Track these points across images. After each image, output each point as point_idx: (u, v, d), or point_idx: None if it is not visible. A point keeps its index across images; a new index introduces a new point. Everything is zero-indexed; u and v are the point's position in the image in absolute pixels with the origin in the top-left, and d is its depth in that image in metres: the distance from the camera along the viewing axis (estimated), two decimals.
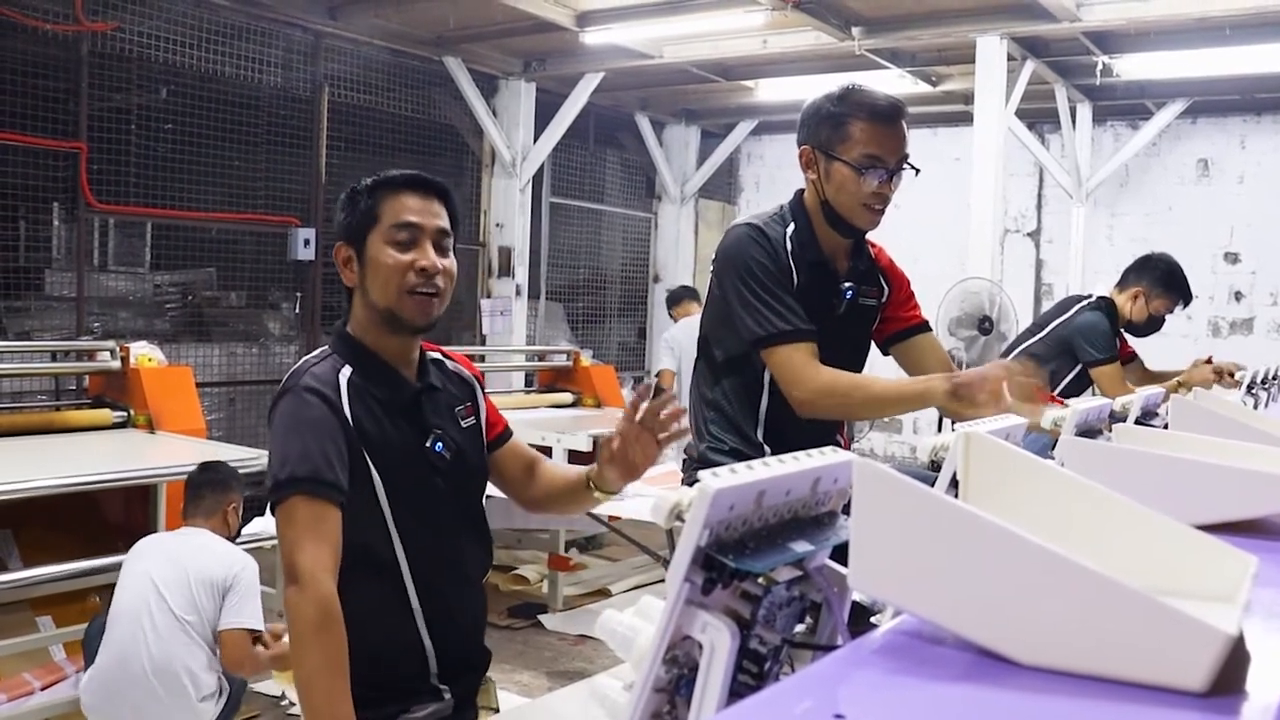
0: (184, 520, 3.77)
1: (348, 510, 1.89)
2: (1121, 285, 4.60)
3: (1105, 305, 4.53)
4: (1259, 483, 1.39)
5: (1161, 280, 4.52)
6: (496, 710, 2.23)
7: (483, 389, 2.26)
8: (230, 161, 7.48)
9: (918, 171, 2.50)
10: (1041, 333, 4.62)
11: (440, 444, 2.04)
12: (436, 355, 2.18)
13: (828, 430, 2.63)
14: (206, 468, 3.89)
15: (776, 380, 2.47)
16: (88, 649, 3.67)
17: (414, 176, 2.06)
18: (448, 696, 2.03)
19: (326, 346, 2.08)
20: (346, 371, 1.98)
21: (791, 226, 2.53)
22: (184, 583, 3.46)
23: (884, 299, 2.68)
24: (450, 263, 2.04)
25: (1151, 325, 4.60)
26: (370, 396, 1.98)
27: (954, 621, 0.85)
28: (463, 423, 2.13)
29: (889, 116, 2.45)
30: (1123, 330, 4.59)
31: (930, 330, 2.77)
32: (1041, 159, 9.62)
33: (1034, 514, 1.01)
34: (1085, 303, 4.57)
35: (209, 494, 3.77)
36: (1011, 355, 4.75)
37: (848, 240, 2.58)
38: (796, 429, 2.50)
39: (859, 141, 2.43)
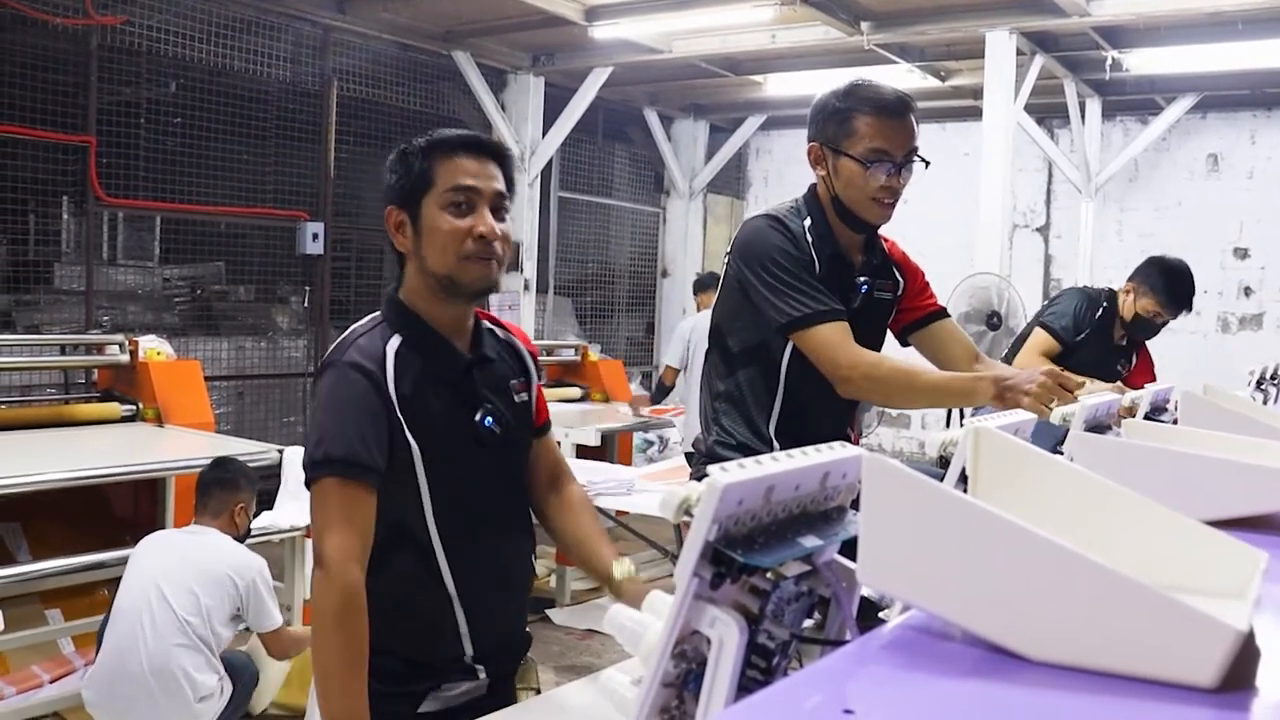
0: (195, 517, 3.76)
1: (385, 487, 1.86)
2: (1128, 280, 4.38)
3: (1103, 294, 4.35)
4: (1269, 478, 1.39)
5: (1151, 280, 4.25)
6: (538, 690, 2.17)
7: (536, 364, 2.18)
8: (239, 155, 7.49)
9: (928, 164, 2.49)
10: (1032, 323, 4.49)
11: (491, 418, 1.97)
12: (489, 324, 2.11)
13: (840, 424, 2.63)
14: (216, 465, 3.86)
15: (815, 362, 2.44)
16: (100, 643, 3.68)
17: (470, 137, 1.98)
18: (482, 676, 1.98)
19: (378, 313, 2.01)
20: (395, 342, 1.92)
21: (808, 220, 2.54)
22: (189, 584, 3.45)
23: (899, 292, 2.69)
24: (507, 227, 1.96)
25: (1139, 326, 4.32)
26: (418, 368, 1.92)
27: (963, 617, 0.85)
28: (515, 397, 2.06)
29: (895, 110, 2.44)
30: (1125, 335, 4.37)
31: (949, 316, 2.77)
32: (1051, 154, 9.60)
33: (1043, 509, 1.01)
34: (1084, 287, 4.42)
35: (217, 492, 3.75)
36: (1014, 340, 4.70)
37: (860, 235, 2.59)
38: (810, 422, 2.50)
39: (865, 136, 2.44)
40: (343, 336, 1.97)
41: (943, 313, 2.75)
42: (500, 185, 1.96)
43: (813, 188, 2.60)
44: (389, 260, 9.20)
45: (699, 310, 7.26)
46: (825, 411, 2.56)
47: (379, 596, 1.84)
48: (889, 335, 2.77)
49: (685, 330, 6.91)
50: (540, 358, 2.39)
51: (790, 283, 2.43)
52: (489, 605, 1.98)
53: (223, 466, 3.85)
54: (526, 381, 2.12)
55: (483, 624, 1.96)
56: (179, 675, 3.37)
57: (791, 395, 2.54)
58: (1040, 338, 4.19)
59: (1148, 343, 4.57)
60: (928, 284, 2.76)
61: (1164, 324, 4.36)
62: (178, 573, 3.46)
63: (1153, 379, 4.46)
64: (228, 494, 3.75)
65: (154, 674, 3.35)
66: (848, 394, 2.44)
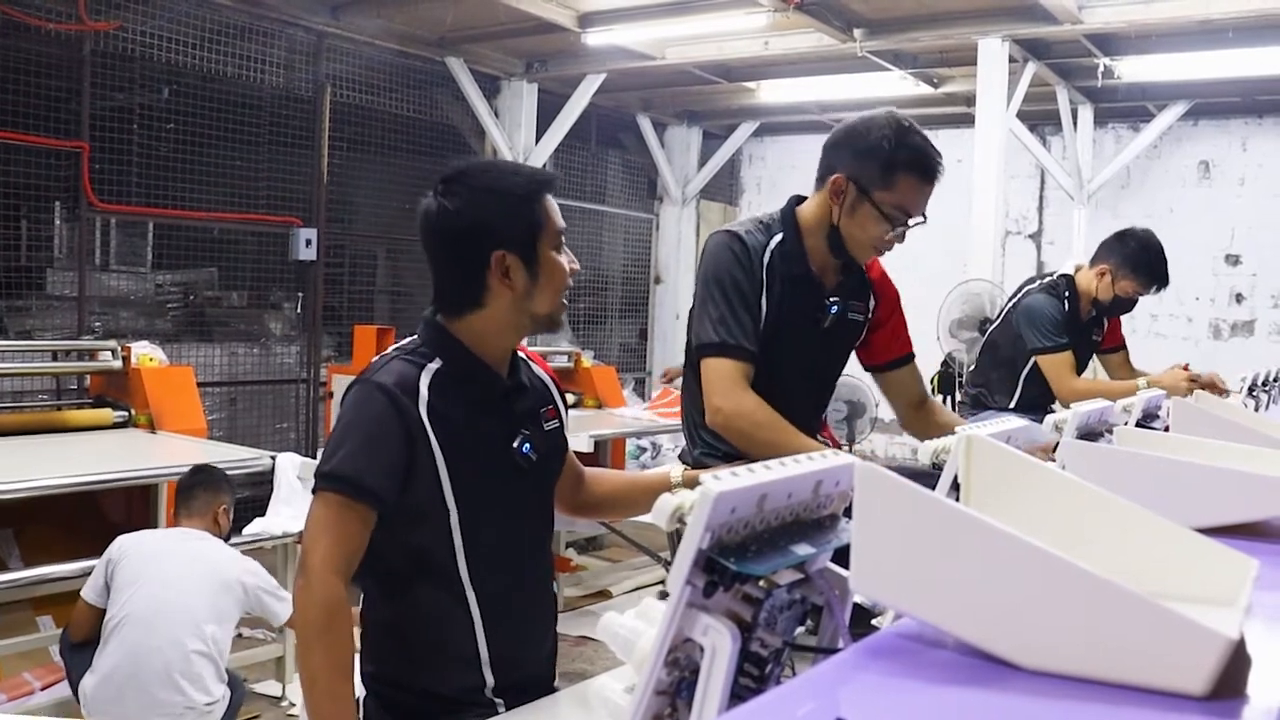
0: (177, 520, 3.76)
1: (407, 514, 1.86)
2: (1093, 260, 4.22)
3: (1061, 285, 4.20)
4: (1260, 486, 1.39)
5: (1130, 259, 4.09)
6: None
7: (561, 394, 2.19)
8: (232, 161, 7.48)
9: (925, 220, 2.50)
10: (1000, 318, 4.42)
11: (528, 445, 1.97)
12: (522, 355, 2.11)
13: (809, 432, 2.62)
14: (198, 470, 3.91)
15: (703, 387, 2.46)
16: (74, 650, 3.63)
17: (550, 178, 2.03)
18: (502, 710, 1.94)
19: (417, 336, 1.99)
20: (434, 365, 1.91)
21: (777, 238, 2.50)
22: (206, 591, 3.47)
23: (870, 313, 2.68)
24: None
25: (1120, 305, 4.21)
26: (459, 392, 1.91)
27: (955, 625, 0.85)
28: (546, 425, 2.07)
29: (934, 176, 2.43)
30: (1095, 311, 4.24)
31: (914, 359, 2.79)
32: (1043, 161, 9.62)
33: (1035, 517, 1.02)
34: (1038, 283, 4.28)
35: (201, 494, 3.78)
36: (981, 343, 4.68)
37: (840, 261, 2.57)
38: None
39: (901, 193, 2.41)
40: (382, 354, 1.96)
41: (909, 358, 2.78)
42: None
43: (794, 204, 2.56)
44: (381, 266, 9.20)
45: None
46: (793, 419, 2.54)
47: (402, 626, 1.85)
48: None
49: None
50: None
51: (720, 306, 2.43)
52: (514, 633, 1.96)
53: (204, 471, 3.91)
54: (556, 409, 2.13)
55: (506, 652, 1.94)
56: (193, 681, 3.38)
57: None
58: (1056, 361, 4.05)
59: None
60: (903, 318, 2.77)
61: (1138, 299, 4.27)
62: (189, 579, 3.46)
63: (1121, 337, 4.45)
64: (211, 495, 3.79)
65: (171, 678, 3.34)
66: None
